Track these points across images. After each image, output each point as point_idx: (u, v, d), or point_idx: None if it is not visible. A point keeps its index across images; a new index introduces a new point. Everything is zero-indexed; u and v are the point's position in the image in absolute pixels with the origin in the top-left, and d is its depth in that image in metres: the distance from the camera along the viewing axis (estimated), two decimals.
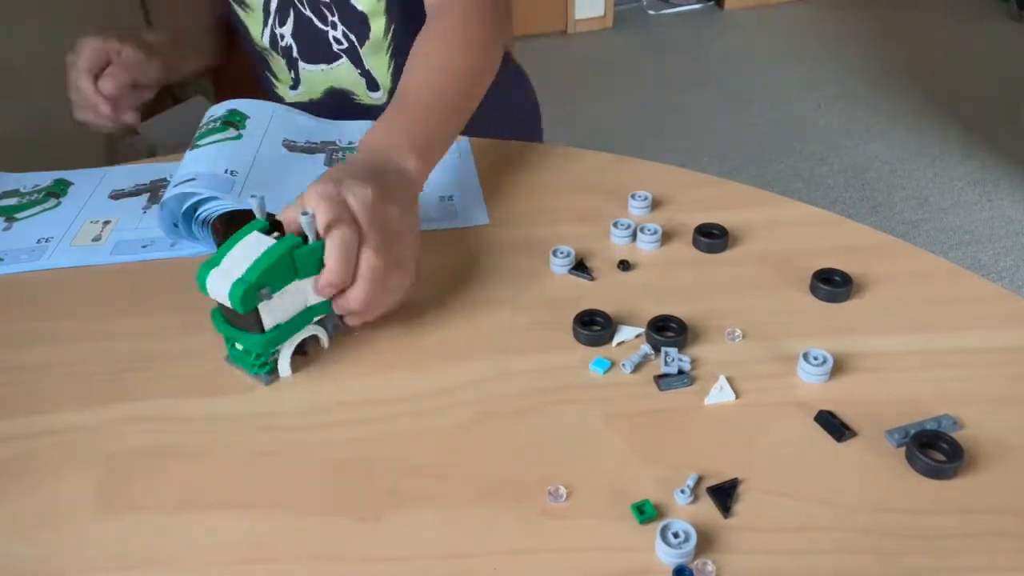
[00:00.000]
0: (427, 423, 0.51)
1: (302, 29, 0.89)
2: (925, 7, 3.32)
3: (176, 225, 0.68)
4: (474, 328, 0.59)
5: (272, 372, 0.54)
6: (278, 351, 0.54)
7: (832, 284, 0.60)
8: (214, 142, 0.72)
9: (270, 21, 0.90)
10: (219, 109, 0.78)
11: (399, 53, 0.88)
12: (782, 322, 0.58)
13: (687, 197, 0.73)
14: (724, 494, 0.45)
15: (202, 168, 0.68)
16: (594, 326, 0.57)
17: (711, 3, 3.50)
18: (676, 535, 0.42)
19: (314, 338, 0.56)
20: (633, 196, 0.71)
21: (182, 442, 0.51)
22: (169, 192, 0.66)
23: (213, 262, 0.51)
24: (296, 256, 0.51)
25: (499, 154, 0.81)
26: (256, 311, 0.51)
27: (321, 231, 0.51)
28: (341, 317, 0.56)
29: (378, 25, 0.87)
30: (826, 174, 2.28)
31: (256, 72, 0.98)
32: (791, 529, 0.44)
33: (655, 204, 0.72)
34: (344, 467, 0.48)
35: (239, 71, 1.24)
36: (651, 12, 3.46)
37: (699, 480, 0.46)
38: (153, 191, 0.79)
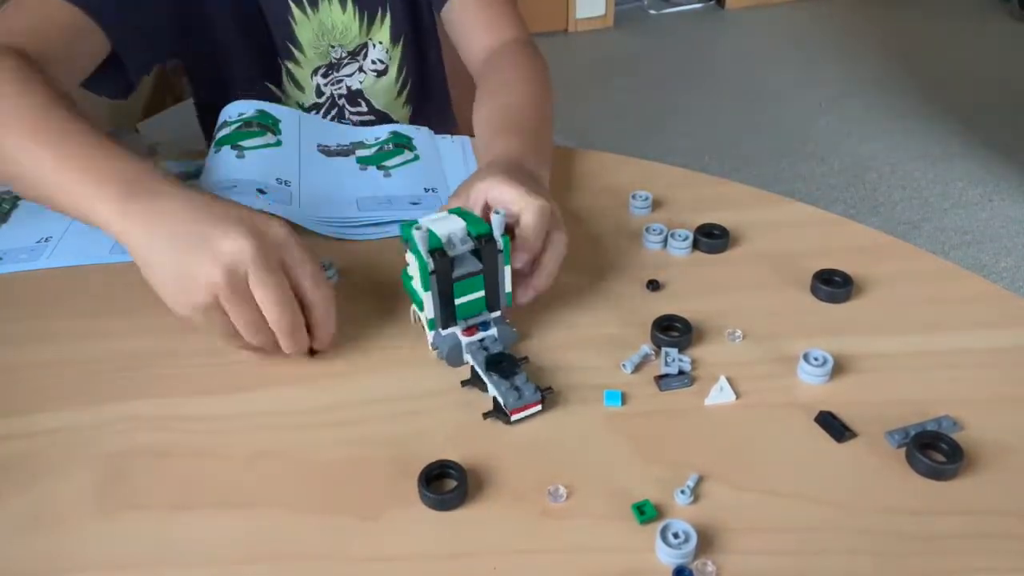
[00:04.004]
0: (427, 423, 0.51)
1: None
2: (925, 7, 3.32)
3: None
4: None
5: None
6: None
7: (832, 284, 0.60)
8: (255, 147, 0.72)
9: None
10: (247, 107, 0.77)
11: None
12: (782, 322, 0.58)
13: (688, 197, 0.72)
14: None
15: (252, 176, 0.68)
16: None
17: (712, 3, 3.50)
18: (676, 535, 0.42)
19: None
20: (634, 196, 0.71)
21: (182, 442, 0.51)
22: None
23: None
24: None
25: None
26: None
27: (540, 238, 0.56)
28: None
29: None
30: (826, 174, 2.28)
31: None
32: (791, 529, 0.44)
33: (656, 204, 0.72)
34: (344, 467, 0.48)
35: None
36: (652, 12, 3.46)
37: (699, 480, 0.46)
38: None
